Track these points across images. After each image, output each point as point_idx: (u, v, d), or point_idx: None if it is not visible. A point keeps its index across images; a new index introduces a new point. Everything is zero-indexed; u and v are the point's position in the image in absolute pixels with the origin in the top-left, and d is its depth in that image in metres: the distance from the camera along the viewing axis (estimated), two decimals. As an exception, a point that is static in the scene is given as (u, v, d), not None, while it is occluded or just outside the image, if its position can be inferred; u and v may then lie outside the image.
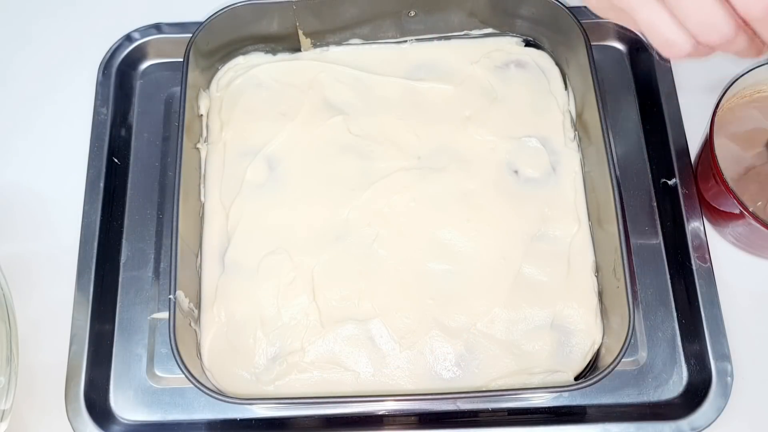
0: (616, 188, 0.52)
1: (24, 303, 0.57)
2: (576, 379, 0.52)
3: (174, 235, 0.52)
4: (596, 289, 0.55)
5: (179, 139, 0.55)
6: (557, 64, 0.63)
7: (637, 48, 0.64)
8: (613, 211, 0.51)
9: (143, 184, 0.61)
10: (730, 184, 0.51)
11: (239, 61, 0.64)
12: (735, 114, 0.56)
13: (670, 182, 0.59)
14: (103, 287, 0.57)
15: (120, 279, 0.58)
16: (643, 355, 0.54)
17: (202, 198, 0.59)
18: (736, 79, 0.53)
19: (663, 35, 0.37)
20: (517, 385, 0.52)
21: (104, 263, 0.58)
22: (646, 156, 0.61)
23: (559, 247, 0.56)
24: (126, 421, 0.54)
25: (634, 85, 0.63)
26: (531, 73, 0.62)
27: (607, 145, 0.53)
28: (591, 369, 0.53)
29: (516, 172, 0.59)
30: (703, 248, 0.56)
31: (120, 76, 0.64)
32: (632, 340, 0.51)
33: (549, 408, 0.54)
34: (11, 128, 0.64)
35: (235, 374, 0.53)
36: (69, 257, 0.57)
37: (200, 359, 0.54)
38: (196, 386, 0.48)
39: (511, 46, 0.64)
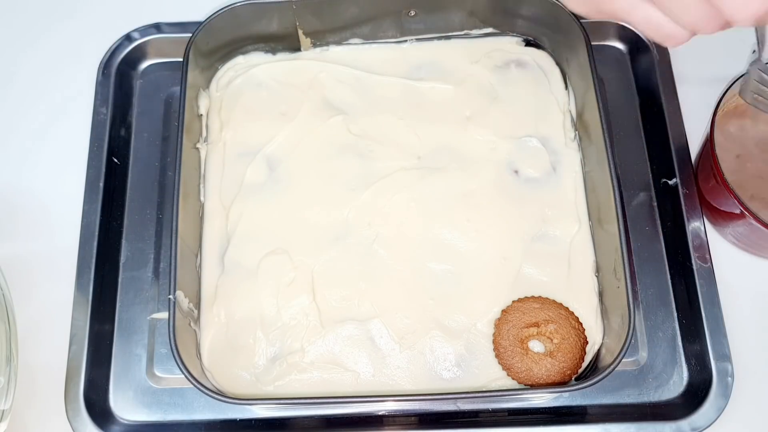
0: (616, 188, 0.52)
1: (24, 303, 0.57)
2: (576, 379, 0.52)
3: (174, 235, 0.52)
4: (596, 289, 0.55)
5: (179, 139, 0.55)
6: (557, 63, 0.63)
7: (638, 48, 0.64)
8: (614, 211, 0.51)
9: (143, 184, 0.61)
10: (731, 183, 0.51)
11: (239, 61, 0.64)
12: (735, 114, 0.56)
13: (670, 182, 0.59)
14: (102, 287, 0.57)
15: (119, 279, 0.58)
16: (643, 355, 0.54)
17: (202, 198, 0.59)
18: (737, 79, 0.53)
19: (660, 31, 0.38)
20: (517, 386, 0.52)
21: (104, 263, 0.58)
22: (646, 156, 0.61)
23: (560, 247, 0.56)
24: (125, 422, 0.54)
25: (635, 85, 0.63)
26: (531, 73, 0.62)
27: (608, 145, 0.53)
28: (591, 369, 0.53)
29: (516, 172, 0.59)
30: (704, 248, 0.56)
31: (120, 76, 0.64)
32: (632, 341, 0.51)
33: (549, 408, 0.53)
34: (11, 128, 0.64)
35: (235, 374, 0.53)
36: (68, 257, 0.57)
37: (200, 359, 0.54)
38: (195, 386, 0.48)
39: (511, 45, 0.64)
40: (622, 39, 0.65)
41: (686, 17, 0.36)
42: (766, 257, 0.58)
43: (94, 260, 0.57)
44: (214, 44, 0.61)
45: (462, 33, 0.64)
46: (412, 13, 0.61)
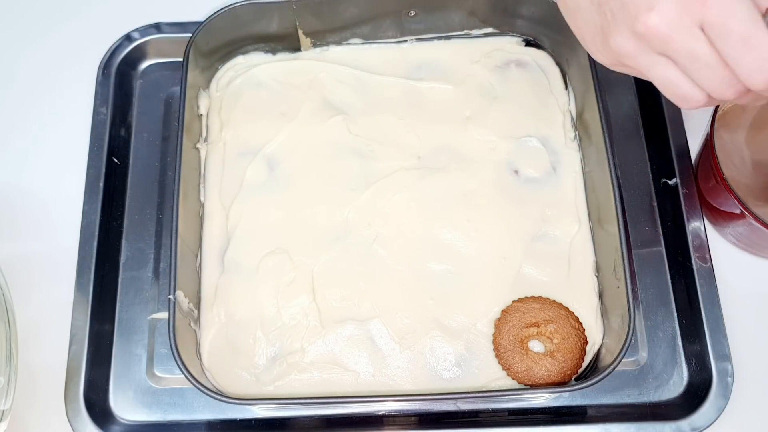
0: (616, 188, 0.52)
1: (24, 303, 0.57)
2: (576, 379, 0.52)
3: (173, 235, 0.52)
4: (596, 289, 0.55)
5: (179, 139, 0.55)
6: (557, 63, 0.63)
7: (638, 48, 0.64)
8: (614, 211, 0.51)
9: (143, 184, 0.61)
10: (731, 183, 0.51)
11: (239, 61, 0.64)
12: (735, 113, 0.56)
13: (670, 182, 0.59)
14: (102, 287, 0.57)
15: (119, 279, 0.58)
16: (643, 355, 0.54)
17: (202, 198, 0.59)
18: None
19: (677, 91, 0.38)
20: (517, 386, 0.52)
21: (104, 263, 0.58)
22: (646, 156, 0.61)
23: (560, 247, 0.56)
24: (125, 422, 0.54)
25: (635, 85, 0.63)
26: (531, 73, 0.62)
27: (608, 145, 0.53)
28: (591, 369, 0.53)
29: (516, 172, 0.59)
30: (704, 248, 0.56)
31: (120, 76, 0.64)
32: (632, 341, 0.51)
33: (549, 408, 0.53)
34: (11, 128, 0.64)
35: (235, 374, 0.53)
36: (69, 257, 0.57)
37: (200, 359, 0.54)
38: (195, 386, 0.48)
39: (511, 45, 0.64)
40: (622, 39, 0.65)
41: (704, 80, 0.36)
42: (766, 257, 0.57)
43: (94, 260, 0.57)
44: (214, 44, 0.61)
45: (462, 33, 0.64)
46: (412, 13, 0.61)
